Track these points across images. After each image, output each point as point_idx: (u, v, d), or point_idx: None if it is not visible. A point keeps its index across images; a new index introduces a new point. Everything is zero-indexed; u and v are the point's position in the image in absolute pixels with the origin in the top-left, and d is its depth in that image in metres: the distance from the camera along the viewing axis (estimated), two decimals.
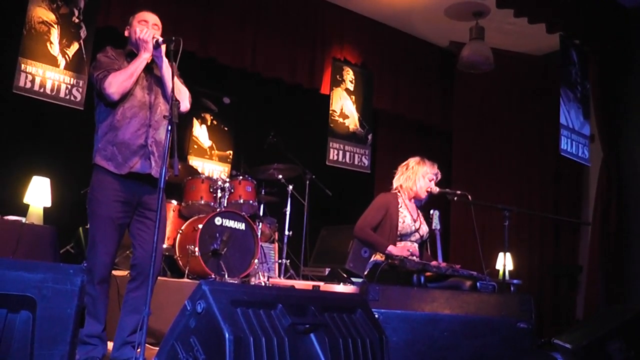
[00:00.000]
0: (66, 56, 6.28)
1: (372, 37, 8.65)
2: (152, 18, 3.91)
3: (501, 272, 6.93)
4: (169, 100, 3.51)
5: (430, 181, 4.93)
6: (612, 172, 7.61)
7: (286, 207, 6.89)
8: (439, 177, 5.02)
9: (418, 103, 9.07)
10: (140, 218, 3.79)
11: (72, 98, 6.25)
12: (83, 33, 6.41)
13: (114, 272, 4.47)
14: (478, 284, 4.47)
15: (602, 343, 3.96)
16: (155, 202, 3.29)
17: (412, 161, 5.02)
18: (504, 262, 5.48)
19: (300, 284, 6.04)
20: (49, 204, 5.92)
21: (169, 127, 3.32)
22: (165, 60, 3.72)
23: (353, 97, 8.48)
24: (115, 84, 3.64)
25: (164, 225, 4.10)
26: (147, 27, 3.81)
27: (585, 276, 7.83)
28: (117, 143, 3.68)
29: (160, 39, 3.73)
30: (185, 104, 3.84)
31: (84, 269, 2.08)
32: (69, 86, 6.24)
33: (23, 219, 5.45)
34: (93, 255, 3.68)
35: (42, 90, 6.09)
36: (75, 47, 6.35)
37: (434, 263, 4.50)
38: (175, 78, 3.80)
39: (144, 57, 3.73)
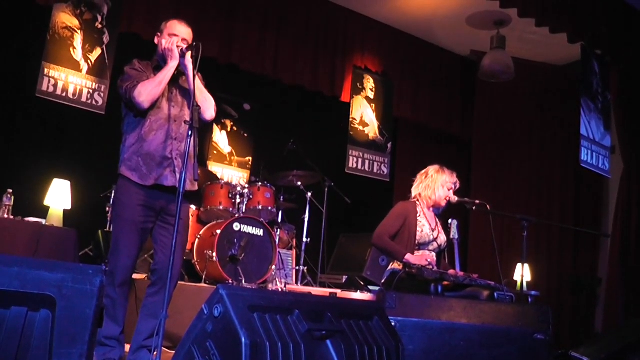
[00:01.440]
0: (89, 61, 6.35)
1: (393, 46, 8.65)
2: (183, 32, 3.90)
3: (519, 283, 6.88)
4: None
5: (449, 190, 4.91)
6: (633, 184, 7.54)
7: (305, 214, 6.89)
8: (458, 185, 4.99)
9: (438, 112, 9.05)
10: (163, 224, 3.81)
11: (94, 102, 6.31)
12: (106, 39, 6.49)
13: (133, 276, 4.50)
14: (495, 294, 4.44)
15: (621, 356, 3.93)
16: (178, 209, 3.31)
17: (432, 169, 4.99)
18: (522, 273, 5.44)
19: (317, 291, 6.04)
20: (69, 207, 5.97)
21: (190, 132, 3.34)
22: (190, 67, 3.74)
23: (373, 105, 8.49)
24: (145, 92, 3.67)
25: (186, 231, 4.11)
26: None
27: (605, 289, 7.76)
28: (142, 154, 3.71)
29: (184, 47, 3.76)
30: (210, 113, 3.86)
31: (103, 269, 2.10)
32: (91, 91, 6.30)
33: (43, 221, 5.50)
34: (115, 258, 3.70)
35: (64, 94, 6.16)
36: (97, 52, 6.42)
37: (451, 272, 4.49)
38: (202, 86, 3.84)
39: (172, 66, 3.75)
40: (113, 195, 3.84)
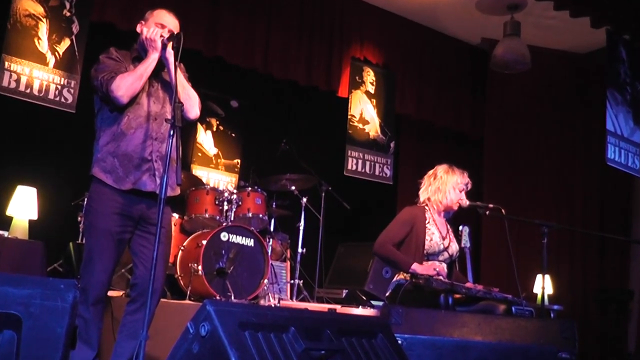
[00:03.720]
0: (56, 53, 6.33)
1: (395, 35, 8.65)
2: (171, 23, 3.91)
3: (539, 296, 6.88)
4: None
5: (461, 192, 4.88)
6: None
7: (300, 221, 6.89)
8: (470, 186, 4.96)
9: (446, 107, 9.06)
10: (142, 233, 3.79)
11: (63, 100, 6.29)
12: (75, 28, 6.46)
13: (109, 293, 4.48)
14: (513, 308, 4.43)
15: None
16: (160, 216, 3.28)
17: (441, 170, 4.96)
18: (543, 285, 5.43)
19: (314, 306, 6.03)
20: (35, 216, 5.94)
21: (172, 132, 3.32)
22: (172, 61, 3.73)
23: (374, 100, 8.49)
24: (124, 86, 3.65)
25: (169, 241, 4.09)
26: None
27: (638, 302, 7.75)
28: (118, 155, 3.69)
29: (166, 38, 3.75)
30: (195, 111, 3.87)
31: (76, 284, 2.07)
32: (59, 86, 6.28)
33: (5, 233, 5.48)
34: (88, 273, 3.67)
35: (28, 90, 6.13)
36: (66, 43, 6.40)
37: (469, 285, 4.47)
38: (185, 81, 3.83)
39: (153, 58, 3.74)
40: (85, 202, 3.80)
